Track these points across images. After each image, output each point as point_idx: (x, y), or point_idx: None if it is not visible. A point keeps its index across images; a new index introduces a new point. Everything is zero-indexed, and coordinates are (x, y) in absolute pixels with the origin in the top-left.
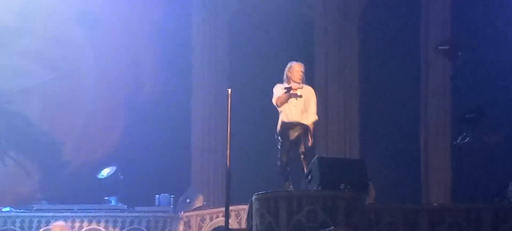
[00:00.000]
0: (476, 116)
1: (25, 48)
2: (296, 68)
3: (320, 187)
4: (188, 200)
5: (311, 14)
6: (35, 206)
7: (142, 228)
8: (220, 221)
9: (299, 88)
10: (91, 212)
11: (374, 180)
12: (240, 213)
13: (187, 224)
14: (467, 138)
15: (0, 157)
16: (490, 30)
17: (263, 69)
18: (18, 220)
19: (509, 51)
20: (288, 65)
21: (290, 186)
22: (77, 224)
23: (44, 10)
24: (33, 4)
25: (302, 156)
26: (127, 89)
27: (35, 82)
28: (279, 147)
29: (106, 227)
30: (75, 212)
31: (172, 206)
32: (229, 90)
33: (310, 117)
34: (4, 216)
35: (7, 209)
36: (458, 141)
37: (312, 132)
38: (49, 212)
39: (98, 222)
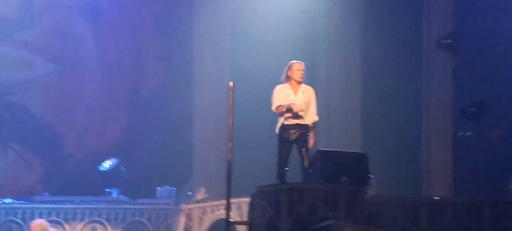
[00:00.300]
0: (478, 110)
1: (27, 40)
2: (296, 68)
3: (321, 180)
4: (189, 193)
5: (313, 8)
6: (37, 198)
7: (144, 220)
8: (221, 213)
9: (301, 110)
10: (92, 204)
11: (375, 174)
12: (241, 206)
13: (189, 217)
14: (469, 132)
15: (2, 148)
16: (492, 24)
17: (265, 62)
18: (19, 212)
19: (510, 45)
20: (289, 64)
21: None
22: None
23: (46, 2)
24: None
25: (303, 154)
26: (129, 81)
27: (37, 74)
28: (278, 149)
29: (107, 219)
30: (77, 204)
31: (173, 199)
32: (231, 83)
33: (310, 118)
34: (6, 208)
35: (9, 200)
36: (460, 134)
37: (313, 133)
38: (51, 203)
39: (99, 214)
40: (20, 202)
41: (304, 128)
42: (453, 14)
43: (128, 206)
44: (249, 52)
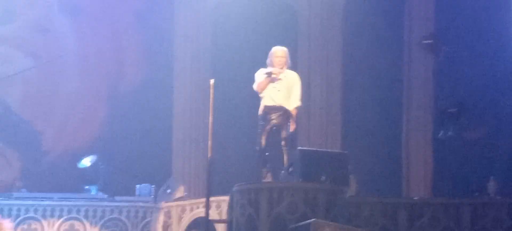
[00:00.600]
0: (458, 111)
1: (6, 36)
2: (276, 54)
3: (301, 179)
4: (168, 191)
5: (295, 6)
6: (15, 194)
7: (122, 217)
8: (200, 212)
9: (280, 72)
10: (71, 201)
11: (355, 173)
12: (220, 204)
13: (168, 215)
14: (450, 132)
15: None
16: (473, 25)
17: (246, 60)
18: None
19: (491, 46)
20: (271, 50)
21: (268, 173)
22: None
23: None
24: None
25: (283, 142)
26: (109, 78)
27: (16, 70)
28: (259, 131)
29: (85, 216)
30: (55, 201)
31: (152, 196)
32: (212, 80)
33: (293, 102)
34: None
35: None
36: (440, 135)
37: (295, 118)
38: (29, 200)
39: (78, 211)
40: None
41: (286, 113)
42: (435, 15)
43: (106, 203)
44: (229, 50)
